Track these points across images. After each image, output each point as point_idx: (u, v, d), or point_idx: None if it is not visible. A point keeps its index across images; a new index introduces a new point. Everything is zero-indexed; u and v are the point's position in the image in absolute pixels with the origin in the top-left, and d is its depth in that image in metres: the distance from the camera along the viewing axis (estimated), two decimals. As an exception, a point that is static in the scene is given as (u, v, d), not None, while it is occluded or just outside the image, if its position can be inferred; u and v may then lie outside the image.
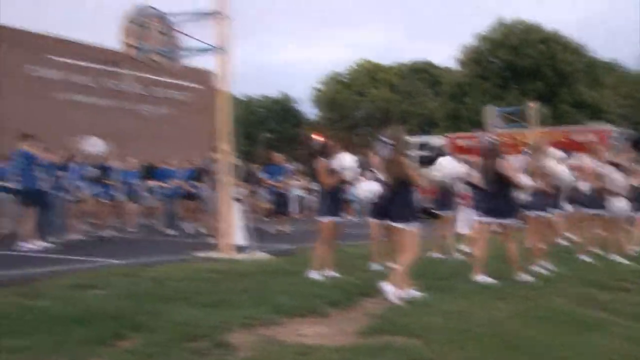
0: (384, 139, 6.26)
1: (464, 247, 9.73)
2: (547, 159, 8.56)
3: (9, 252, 10.01)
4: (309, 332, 4.79)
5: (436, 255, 9.38)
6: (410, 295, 6.03)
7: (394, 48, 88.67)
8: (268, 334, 4.60)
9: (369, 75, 55.40)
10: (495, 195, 7.41)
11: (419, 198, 6.44)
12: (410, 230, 6.13)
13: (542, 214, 8.47)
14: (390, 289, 5.95)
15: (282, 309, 5.35)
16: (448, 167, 7.44)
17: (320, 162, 7.61)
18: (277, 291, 6.25)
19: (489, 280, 7.07)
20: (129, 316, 4.76)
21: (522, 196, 7.74)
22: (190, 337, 4.26)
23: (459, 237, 10.12)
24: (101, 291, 6.20)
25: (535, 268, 7.92)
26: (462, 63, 40.98)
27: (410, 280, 6.20)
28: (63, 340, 4.04)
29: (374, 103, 53.78)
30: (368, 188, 7.47)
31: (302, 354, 3.96)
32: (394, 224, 6.24)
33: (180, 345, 4.06)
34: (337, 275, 7.47)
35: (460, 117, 37.63)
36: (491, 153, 7.48)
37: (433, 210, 9.85)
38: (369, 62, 56.95)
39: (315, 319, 5.27)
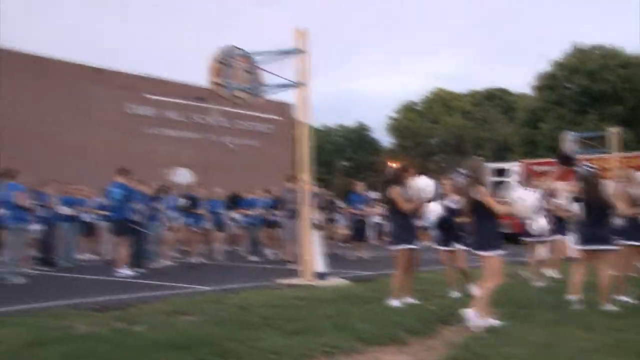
0: (462, 170, 6.18)
1: (552, 273, 9.44)
2: (636, 185, 8.13)
3: (105, 278, 10.46)
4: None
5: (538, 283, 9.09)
6: (489, 324, 5.85)
7: (467, 76, 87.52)
8: (349, 362, 4.57)
9: (443, 103, 54.90)
10: (596, 223, 7.14)
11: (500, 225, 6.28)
12: (493, 257, 5.98)
13: (634, 242, 8.02)
14: (473, 316, 5.81)
15: (363, 337, 5.30)
16: (527, 202, 7.06)
17: (394, 190, 7.55)
18: (358, 318, 6.19)
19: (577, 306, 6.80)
20: (218, 342, 4.84)
21: (618, 223, 7.44)
22: (275, 365, 4.29)
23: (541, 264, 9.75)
24: (192, 317, 6.35)
25: (622, 298, 7.50)
26: (537, 89, 39.91)
27: (490, 308, 6.02)
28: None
29: (448, 130, 53.10)
30: (433, 209, 7.45)
31: (383, 384, 3.90)
32: (477, 253, 6.13)
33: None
34: (416, 302, 7.35)
35: (536, 143, 36.55)
36: (592, 180, 7.26)
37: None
38: (443, 90, 56.48)
39: (395, 347, 5.18)
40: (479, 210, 6.08)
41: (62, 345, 4.78)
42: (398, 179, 7.74)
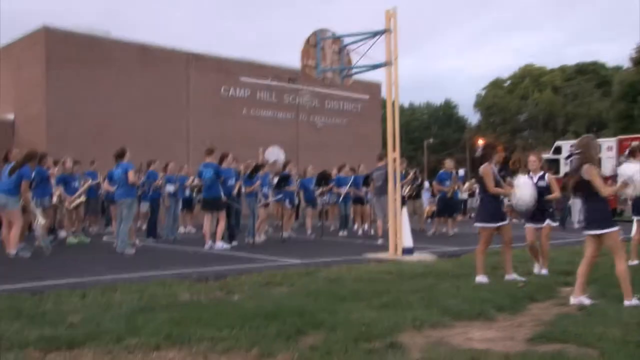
0: (572, 148, 5.91)
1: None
2: None
3: (204, 251, 10.89)
4: (477, 336, 4.62)
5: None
6: (582, 302, 5.63)
7: (558, 50, 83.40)
8: (437, 336, 4.52)
9: (532, 79, 52.56)
10: None
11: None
12: (611, 233, 5.71)
13: None
14: (578, 298, 5.66)
15: (451, 312, 5.23)
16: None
17: (484, 168, 7.38)
18: (446, 293, 6.14)
19: None
20: (310, 314, 4.92)
21: None
22: (366, 337, 4.31)
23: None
24: (285, 289, 6.50)
25: None
26: (636, 62, 37.36)
27: (585, 286, 5.80)
28: (259, 334, 4.29)
29: (537, 106, 50.84)
30: (525, 192, 7.19)
31: (472, 359, 3.83)
32: (590, 232, 5.87)
33: (357, 344, 4.12)
34: (519, 278, 7.21)
35: (633, 118, 34.38)
36: None
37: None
38: (532, 65, 54.06)
39: (483, 323, 5.07)
40: (588, 189, 5.80)
41: (169, 311, 5.03)
42: (487, 156, 7.56)
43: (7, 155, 10.34)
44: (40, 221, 10.39)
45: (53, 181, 11.75)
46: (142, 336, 4.18)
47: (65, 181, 12.46)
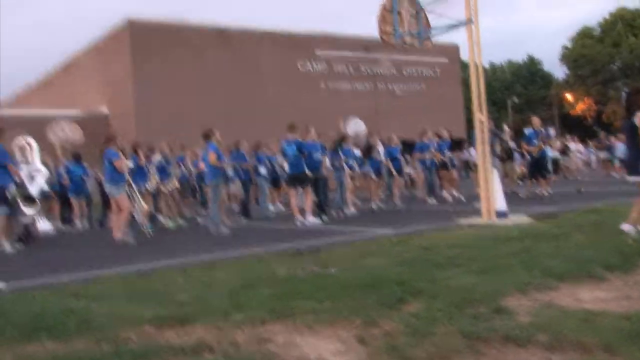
0: None
1: None
2: None
3: (293, 226, 11.05)
4: (588, 297, 4.40)
5: None
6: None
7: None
8: (544, 299, 4.35)
9: (626, 23, 48.99)
10: None
11: None
12: None
13: None
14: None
15: (555, 273, 5.01)
16: None
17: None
18: (547, 255, 5.90)
19: None
20: (409, 282, 4.87)
21: None
22: (469, 303, 4.21)
23: None
24: (380, 259, 6.46)
25: None
26: None
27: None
28: (360, 304, 4.30)
29: (633, 52, 47.50)
30: None
31: (586, 320, 3.64)
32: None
33: (460, 310, 4.04)
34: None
35: None
36: None
37: None
38: (625, 9, 50.30)
39: (592, 283, 4.82)
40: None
41: (269, 287, 5.14)
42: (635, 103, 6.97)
43: (104, 145, 10.88)
44: (141, 207, 10.92)
45: (152, 168, 12.29)
46: (247, 311, 4.29)
47: (161, 166, 12.98)
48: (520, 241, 7.00)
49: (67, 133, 22.92)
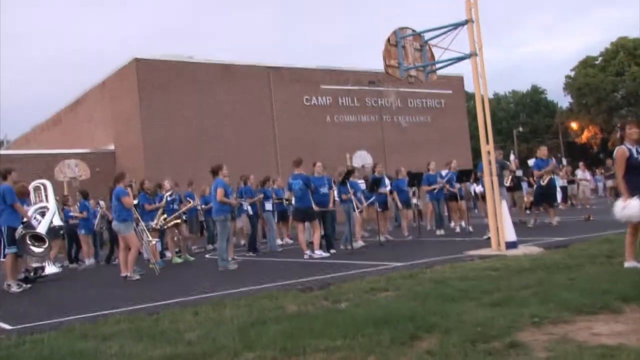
0: None
1: None
2: None
3: (303, 260, 10.97)
4: (604, 330, 4.31)
5: None
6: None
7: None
8: (560, 333, 4.26)
9: (628, 53, 49.31)
10: None
11: None
12: None
13: None
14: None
15: (570, 306, 4.91)
16: None
17: (618, 150, 6.78)
18: (561, 287, 5.80)
19: None
20: (422, 317, 4.79)
21: None
22: (483, 338, 4.13)
23: None
24: (390, 293, 6.39)
25: None
26: None
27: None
28: (372, 341, 4.22)
29: (635, 81, 47.70)
30: None
31: (604, 356, 3.56)
32: None
33: (475, 346, 3.96)
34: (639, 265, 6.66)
35: None
36: None
37: None
38: (625, 38, 50.72)
39: (608, 316, 4.72)
40: None
41: (279, 323, 5.07)
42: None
43: (114, 184, 10.92)
44: (150, 241, 10.93)
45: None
46: (257, 350, 4.22)
47: (168, 203, 12.99)
48: (533, 272, 6.91)
49: (74, 171, 23.10)
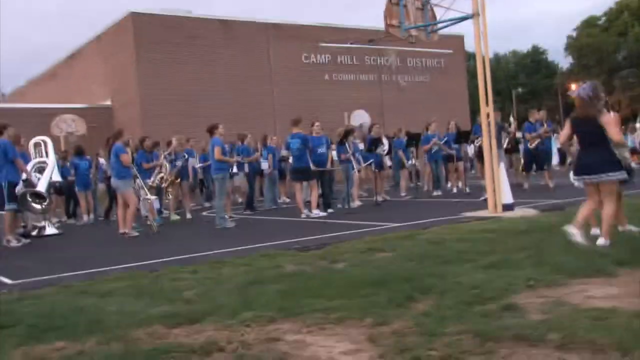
0: None
1: None
2: None
3: (299, 220, 11.03)
4: (599, 293, 4.36)
5: None
6: None
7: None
8: (554, 296, 4.31)
9: (632, 13, 48.55)
10: None
11: None
12: None
13: None
14: None
15: (565, 269, 4.96)
16: None
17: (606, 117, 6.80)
18: (556, 250, 5.84)
19: None
20: (418, 278, 4.85)
21: None
22: (479, 300, 4.19)
23: None
24: (388, 254, 6.45)
25: None
26: None
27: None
28: (369, 302, 4.27)
29: (638, 41, 47.10)
30: None
31: (598, 319, 3.61)
32: None
33: (470, 308, 4.01)
34: (634, 228, 6.66)
35: None
36: None
37: None
38: (632, -3, 49.70)
39: (602, 279, 4.77)
40: None
41: (277, 283, 5.13)
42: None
43: (108, 140, 10.87)
44: (148, 198, 10.95)
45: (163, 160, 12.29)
46: (256, 309, 4.28)
47: (170, 161, 12.95)
48: (529, 235, 6.96)
49: (71, 126, 22.97)
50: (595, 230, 6.71)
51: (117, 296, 5.08)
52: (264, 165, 14.09)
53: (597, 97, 6.01)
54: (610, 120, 5.89)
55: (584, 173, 6.21)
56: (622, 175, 6.02)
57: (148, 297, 4.97)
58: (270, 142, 14.74)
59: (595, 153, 6.02)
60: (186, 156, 13.62)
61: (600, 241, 5.94)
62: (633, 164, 7.37)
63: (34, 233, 11.31)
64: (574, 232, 6.08)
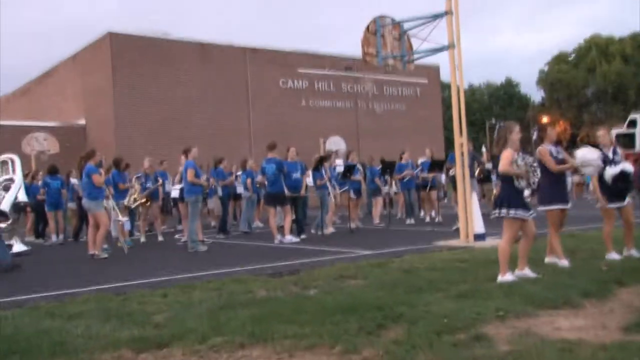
0: None
1: None
2: None
3: (272, 245, 10.99)
4: (566, 325, 4.44)
5: None
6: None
7: (625, 19, 79.35)
8: (523, 327, 4.37)
9: (599, 50, 50.06)
10: None
11: None
12: None
13: None
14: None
15: (534, 300, 5.04)
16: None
17: (541, 149, 7.09)
18: (525, 281, 5.95)
19: None
20: (389, 306, 4.87)
21: None
22: (449, 329, 4.22)
23: None
24: (360, 281, 6.47)
25: None
26: None
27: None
28: (340, 329, 4.27)
29: (606, 78, 48.50)
30: (586, 153, 7.00)
31: (564, 350, 3.67)
32: None
33: (440, 337, 4.04)
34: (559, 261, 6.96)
35: None
36: None
37: None
38: (598, 36, 51.48)
39: (569, 311, 4.86)
40: None
41: (249, 308, 5.10)
42: (543, 137, 7.35)
43: (81, 160, 10.76)
44: (118, 219, 10.81)
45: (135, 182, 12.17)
46: (226, 335, 4.24)
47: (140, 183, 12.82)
48: (499, 265, 7.03)
49: (43, 145, 22.63)
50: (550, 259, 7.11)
51: (84, 319, 4.99)
52: (240, 189, 14.06)
53: (500, 138, 6.33)
54: (502, 156, 6.16)
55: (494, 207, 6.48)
56: (517, 214, 6.17)
57: (116, 320, 4.89)
58: (250, 167, 14.73)
59: (502, 189, 6.38)
60: (160, 179, 13.51)
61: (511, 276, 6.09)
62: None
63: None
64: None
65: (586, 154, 6.95)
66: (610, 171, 7.05)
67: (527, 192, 6.71)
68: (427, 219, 14.97)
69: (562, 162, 7.10)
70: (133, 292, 6.22)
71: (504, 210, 6.17)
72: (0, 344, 4.21)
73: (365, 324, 4.39)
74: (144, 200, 12.56)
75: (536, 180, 6.13)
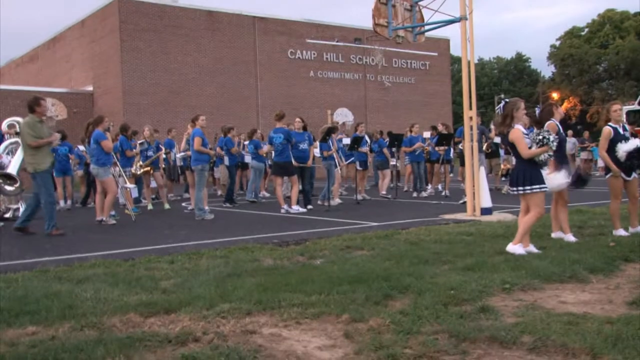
0: None
1: None
2: None
3: (278, 214, 11.01)
4: (571, 299, 4.44)
5: None
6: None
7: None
8: (529, 300, 4.38)
9: (613, 25, 49.24)
10: None
11: None
12: None
13: None
14: None
15: (540, 274, 5.04)
16: None
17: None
18: (532, 255, 5.95)
19: None
20: (396, 277, 4.88)
21: None
22: (455, 301, 4.24)
23: None
24: (367, 252, 6.48)
25: None
26: None
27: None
28: (347, 299, 4.29)
29: (619, 54, 47.77)
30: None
31: (570, 324, 3.67)
32: None
33: (447, 308, 4.05)
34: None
35: None
36: None
37: None
38: (612, 10, 50.59)
39: (575, 285, 4.86)
40: None
41: (255, 277, 5.12)
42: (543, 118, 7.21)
43: (88, 126, 10.74)
44: (126, 187, 10.83)
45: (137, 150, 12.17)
46: (233, 302, 4.27)
47: (142, 150, 12.83)
48: (505, 239, 7.02)
49: (51, 110, 22.63)
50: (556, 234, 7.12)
51: (92, 283, 5.03)
52: (248, 158, 14.04)
53: (507, 115, 6.24)
54: (515, 137, 6.11)
55: (510, 185, 6.44)
56: (539, 189, 6.16)
57: (124, 285, 4.93)
58: (257, 137, 14.69)
59: (517, 167, 6.34)
60: (163, 148, 13.50)
61: (509, 247, 6.15)
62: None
63: (8, 215, 11.13)
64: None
65: (553, 181, 6.76)
66: (624, 147, 6.95)
67: (565, 179, 6.65)
68: (434, 193, 14.94)
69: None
70: (141, 258, 6.26)
71: (527, 187, 6.16)
72: (12, 304, 4.26)
73: (372, 294, 4.40)
74: (147, 168, 12.58)
75: (554, 147, 6.06)
